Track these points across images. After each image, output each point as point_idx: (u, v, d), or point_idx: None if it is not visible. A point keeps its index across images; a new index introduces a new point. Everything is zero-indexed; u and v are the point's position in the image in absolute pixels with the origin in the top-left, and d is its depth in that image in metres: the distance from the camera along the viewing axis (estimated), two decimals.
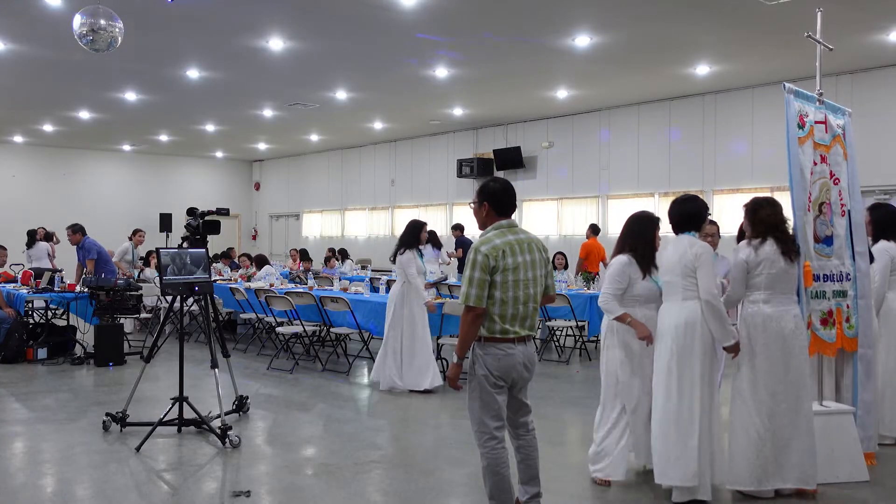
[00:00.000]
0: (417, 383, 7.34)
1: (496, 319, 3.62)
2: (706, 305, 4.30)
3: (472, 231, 15.58)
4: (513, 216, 3.84)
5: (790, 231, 4.56)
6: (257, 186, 22.38)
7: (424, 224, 7.63)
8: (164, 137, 17.52)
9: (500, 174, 14.97)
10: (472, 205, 3.93)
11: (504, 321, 3.63)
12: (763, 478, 4.36)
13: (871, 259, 5.39)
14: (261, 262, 12.28)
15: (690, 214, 4.51)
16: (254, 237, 22.19)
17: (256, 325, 10.46)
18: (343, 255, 15.05)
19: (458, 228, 13.45)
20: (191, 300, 6.78)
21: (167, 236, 18.77)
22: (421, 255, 7.53)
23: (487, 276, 3.58)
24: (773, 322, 4.39)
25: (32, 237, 12.62)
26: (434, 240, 12.26)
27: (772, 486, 4.37)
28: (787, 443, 4.37)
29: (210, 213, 6.06)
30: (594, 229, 12.21)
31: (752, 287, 4.48)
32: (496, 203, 3.76)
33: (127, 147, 19.35)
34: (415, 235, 7.46)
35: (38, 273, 10.30)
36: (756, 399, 4.38)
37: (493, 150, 15.02)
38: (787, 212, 4.68)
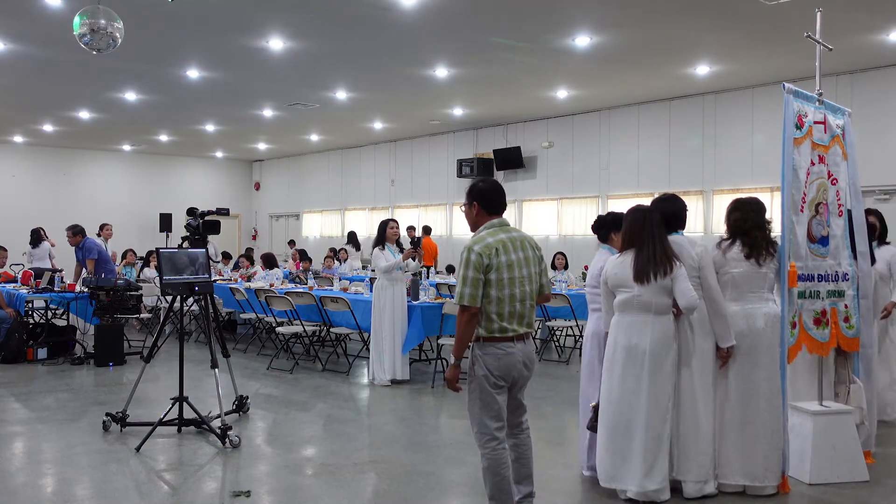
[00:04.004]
0: (384, 376, 7.77)
1: (494, 318, 3.61)
2: (711, 304, 4.38)
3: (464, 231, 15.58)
4: (504, 215, 3.84)
5: (768, 234, 4.58)
6: (257, 186, 22.38)
7: (388, 221, 7.99)
8: (164, 137, 17.52)
9: (500, 174, 14.99)
10: (462, 207, 3.92)
11: (502, 319, 3.62)
12: (719, 472, 4.45)
13: (873, 260, 5.40)
14: (269, 261, 12.20)
15: (675, 214, 4.54)
16: (254, 237, 22.19)
17: (256, 325, 10.47)
18: (352, 238, 15.93)
19: (426, 231, 14.81)
20: (191, 300, 6.78)
21: (167, 236, 18.76)
22: (393, 251, 7.84)
23: (481, 275, 3.57)
24: (739, 319, 4.48)
25: (36, 236, 12.58)
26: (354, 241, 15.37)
27: (731, 481, 4.44)
28: (750, 438, 4.41)
29: (210, 213, 6.07)
30: (426, 230, 14.62)
31: (721, 285, 4.53)
32: (486, 202, 3.76)
33: (127, 147, 19.35)
34: (380, 234, 7.92)
35: (38, 273, 10.30)
36: (716, 394, 4.49)
37: (493, 150, 15.02)
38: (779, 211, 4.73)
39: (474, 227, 3.81)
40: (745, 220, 4.59)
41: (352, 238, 16.06)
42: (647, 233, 4.23)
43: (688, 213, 4.68)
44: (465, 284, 3.57)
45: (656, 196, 4.81)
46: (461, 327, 3.60)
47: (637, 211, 4.36)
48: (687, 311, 4.26)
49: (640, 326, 4.23)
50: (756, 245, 4.52)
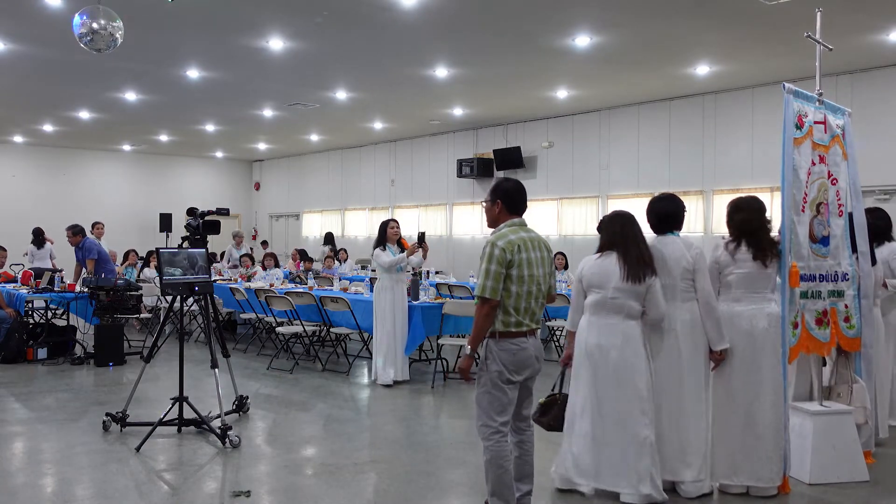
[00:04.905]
0: (387, 377, 7.72)
1: (511, 312, 3.72)
2: (705, 307, 4.38)
3: (465, 230, 15.59)
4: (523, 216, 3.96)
5: (770, 234, 4.60)
6: (257, 186, 22.38)
7: (389, 221, 7.97)
8: (164, 137, 17.52)
9: (499, 174, 14.98)
10: (484, 203, 4.01)
11: (519, 314, 3.73)
12: (720, 473, 4.47)
13: (874, 260, 5.40)
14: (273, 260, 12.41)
15: (671, 214, 4.56)
16: (254, 237, 22.19)
17: (256, 325, 10.47)
18: (329, 239, 16.25)
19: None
20: (191, 300, 6.78)
21: (167, 236, 18.77)
22: (393, 252, 7.80)
23: (503, 270, 3.68)
24: (742, 320, 4.49)
25: (39, 236, 12.53)
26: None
27: (734, 482, 4.45)
28: (755, 439, 4.42)
29: (210, 213, 6.07)
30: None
31: (723, 286, 4.57)
32: (509, 201, 3.88)
33: (127, 147, 19.34)
34: (380, 234, 7.92)
35: (39, 273, 10.30)
36: (716, 394, 4.51)
37: (493, 150, 15.02)
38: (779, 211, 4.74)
39: (494, 223, 3.92)
40: (751, 221, 4.59)
41: (329, 239, 16.34)
42: (630, 238, 4.28)
43: (685, 213, 4.68)
44: (488, 277, 3.67)
45: (654, 195, 4.81)
46: (480, 319, 3.69)
47: (621, 215, 4.41)
48: (654, 322, 4.32)
49: (611, 329, 4.27)
50: (761, 245, 4.52)
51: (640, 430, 4.22)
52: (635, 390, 4.24)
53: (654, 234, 4.60)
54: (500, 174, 14.98)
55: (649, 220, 4.63)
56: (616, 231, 4.34)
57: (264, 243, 18.74)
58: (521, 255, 3.72)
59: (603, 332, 4.28)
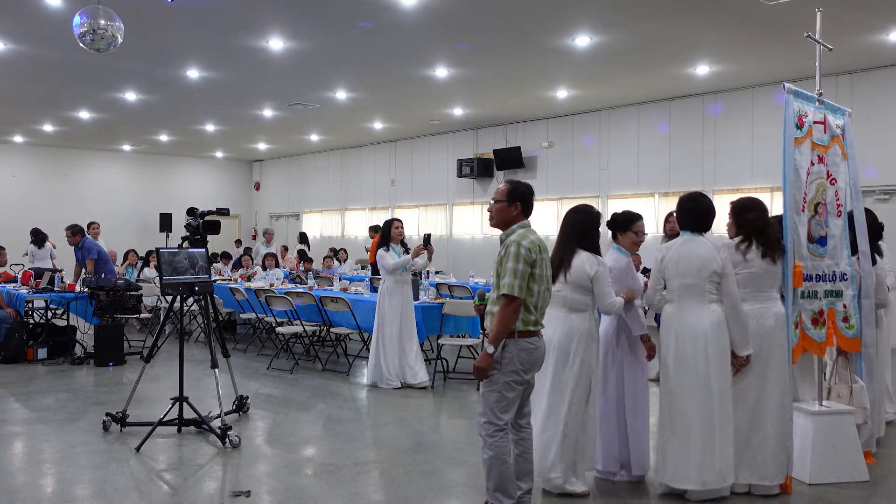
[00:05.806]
0: (412, 378, 7.58)
1: (532, 310, 3.80)
2: (732, 311, 4.38)
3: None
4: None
5: (776, 233, 4.60)
6: (257, 186, 22.38)
7: (392, 221, 7.81)
8: (164, 137, 17.52)
9: (500, 174, 14.99)
10: (496, 203, 4.00)
11: (537, 311, 3.83)
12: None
13: (874, 261, 5.39)
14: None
15: (693, 213, 4.55)
16: (254, 237, 22.18)
17: (256, 325, 10.47)
18: (304, 239, 16.55)
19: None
20: (191, 300, 6.78)
21: (167, 236, 18.77)
22: (397, 252, 7.65)
23: (529, 269, 3.77)
24: (749, 319, 4.47)
25: (41, 236, 12.49)
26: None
27: (738, 480, 4.43)
28: (761, 438, 4.41)
29: (210, 213, 6.06)
30: (374, 229, 14.10)
31: None
32: (527, 205, 4.00)
33: (127, 147, 19.35)
34: (384, 235, 7.74)
35: (39, 273, 10.31)
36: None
37: (493, 150, 15.02)
38: (779, 211, 4.74)
39: (505, 225, 3.95)
40: (763, 220, 4.60)
41: (303, 239, 16.52)
42: (560, 234, 4.56)
43: (714, 213, 4.60)
44: (516, 276, 3.73)
45: (685, 194, 4.75)
46: (507, 317, 3.74)
47: (564, 217, 4.64)
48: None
49: (554, 321, 4.39)
50: (771, 243, 4.52)
51: (562, 424, 4.33)
52: (567, 383, 4.36)
53: (683, 233, 4.57)
54: (500, 174, 14.99)
55: (678, 219, 4.62)
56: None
57: (238, 242, 18.77)
58: (542, 256, 3.85)
59: (549, 323, 4.37)
